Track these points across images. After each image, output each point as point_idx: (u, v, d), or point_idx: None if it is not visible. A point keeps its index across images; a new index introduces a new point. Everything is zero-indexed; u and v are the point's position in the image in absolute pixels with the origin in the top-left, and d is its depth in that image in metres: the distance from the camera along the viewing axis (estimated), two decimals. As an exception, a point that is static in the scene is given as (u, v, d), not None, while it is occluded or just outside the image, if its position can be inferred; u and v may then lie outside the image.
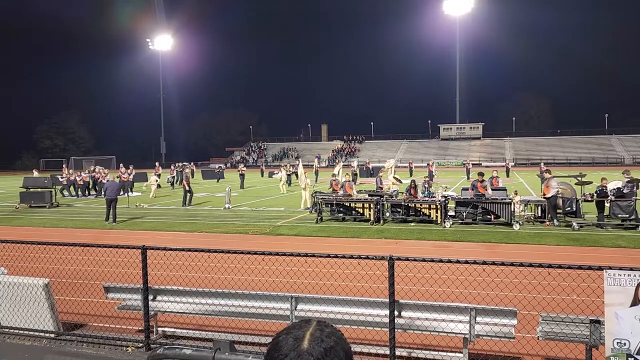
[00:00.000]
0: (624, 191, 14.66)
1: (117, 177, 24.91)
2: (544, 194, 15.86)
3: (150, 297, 6.52)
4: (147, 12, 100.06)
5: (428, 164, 36.58)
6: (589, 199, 15.15)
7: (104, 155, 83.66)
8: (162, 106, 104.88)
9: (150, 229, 16.43)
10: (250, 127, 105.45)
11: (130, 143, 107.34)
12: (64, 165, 41.48)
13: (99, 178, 29.85)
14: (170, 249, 6.55)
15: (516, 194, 17.56)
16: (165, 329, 6.89)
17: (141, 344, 6.40)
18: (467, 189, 17.37)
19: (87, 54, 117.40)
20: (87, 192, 29.81)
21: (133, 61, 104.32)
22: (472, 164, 44.87)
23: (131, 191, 29.30)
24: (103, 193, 24.12)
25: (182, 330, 6.87)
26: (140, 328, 6.74)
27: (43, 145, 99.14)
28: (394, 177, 23.27)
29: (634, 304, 4.33)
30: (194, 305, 6.49)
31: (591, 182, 15.43)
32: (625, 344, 4.34)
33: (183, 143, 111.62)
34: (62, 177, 30.47)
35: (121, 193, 28.49)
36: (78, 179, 29.63)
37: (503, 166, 44.57)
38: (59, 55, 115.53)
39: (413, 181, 17.64)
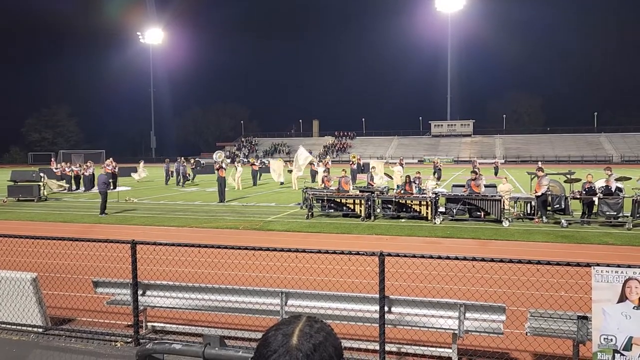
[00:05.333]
0: (612, 189, 14.82)
1: (102, 169, 24.74)
2: (535, 192, 15.99)
3: (140, 292, 6.49)
4: (138, 5, 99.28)
5: (433, 161, 36.53)
6: (578, 196, 15.29)
7: (94, 149, 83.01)
8: (153, 100, 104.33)
9: (140, 223, 16.33)
10: (242, 122, 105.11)
11: (121, 137, 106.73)
12: (52, 159, 41.08)
13: (81, 172, 29.66)
14: (160, 244, 6.51)
15: (507, 180, 17.92)
16: (155, 324, 6.86)
17: (130, 339, 6.37)
18: (458, 186, 17.47)
19: (76, 47, 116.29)
20: (77, 186, 29.58)
21: (123, 55, 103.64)
22: (463, 161, 44.97)
23: (113, 185, 29.06)
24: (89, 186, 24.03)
25: (171, 326, 6.84)
26: (129, 323, 6.71)
27: (31, 139, 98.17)
28: (385, 173, 23.33)
29: (620, 300, 4.38)
30: (184, 300, 6.46)
31: (580, 180, 15.57)
32: (611, 339, 4.39)
33: (173, 137, 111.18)
34: (55, 169, 30.26)
35: (111, 187, 28.37)
36: (67, 170, 29.42)
37: (492, 163, 44.59)
38: (48, 48, 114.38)
39: (408, 176, 17.68)
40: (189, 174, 34.67)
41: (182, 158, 35.12)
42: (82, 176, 29.52)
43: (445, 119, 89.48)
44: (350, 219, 16.57)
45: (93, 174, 29.83)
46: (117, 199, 23.11)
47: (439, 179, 29.93)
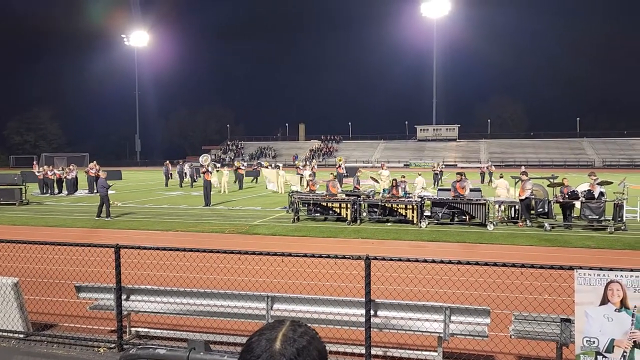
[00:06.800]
0: (595, 193, 15.03)
1: (85, 172, 24.56)
2: (519, 196, 16.16)
3: (124, 296, 6.41)
4: (123, 7, 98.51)
5: (433, 166, 36.32)
6: (561, 200, 15.48)
7: (77, 153, 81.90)
8: (138, 103, 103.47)
9: (124, 227, 16.16)
10: (228, 125, 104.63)
11: (105, 140, 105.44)
12: (34, 162, 40.54)
13: (64, 175, 29.30)
14: (145, 248, 6.44)
15: (501, 176, 18.35)
16: (139, 329, 6.78)
17: (113, 345, 6.29)
18: (443, 190, 17.58)
19: (59, 49, 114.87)
20: (59, 189, 29.17)
21: (108, 57, 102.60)
22: (448, 165, 44.60)
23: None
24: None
25: (156, 330, 6.77)
26: (112, 328, 6.63)
27: (13, 142, 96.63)
28: (371, 177, 23.39)
29: (603, 303, 4.43)
30: (169, 304, 6.40)
31: (562, 184, 15.77)
32: (594, 342, 4.44)
33: (159, 141, 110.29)
34: (37, 172, 29.82)
35: (95, 191, 28.06)
36: (50, 173, 29.01)
37: (478, 168, 44.11)
38: (30, 49, 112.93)
39: (395, 180, 17.77)
40: (195, 176, 35.39)
41: (182, 161, 36.08)
42: (64, 179, 29.12)
43: (431, 124, 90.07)
44: (336, 223, 16.57)
45: (76, 177, 29.48)
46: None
47: (435, 183, 30.31)
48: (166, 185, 34.63)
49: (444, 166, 38.29)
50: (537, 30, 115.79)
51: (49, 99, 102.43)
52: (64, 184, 29.25)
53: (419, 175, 22.68)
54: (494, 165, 39.00)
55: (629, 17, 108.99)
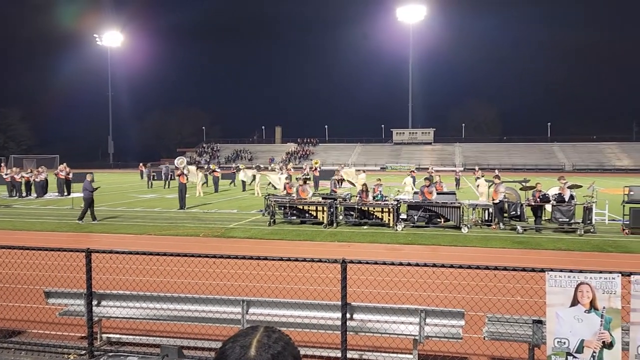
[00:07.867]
0: (565, 197, 15.38)
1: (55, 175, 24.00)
2: (493, 199, 16.42)
3: (95, 302, 6.26)
4: (95, 6, 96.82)
5: (410, 169, 36.14)
6: (533, 203, 15.80)
7: (47, 154, 79.92)
8: (111, 104, 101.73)
9: (96, 230, 15.83)
10: (203, 127, 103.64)
11: (76, 142, 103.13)
12: (2, 164, 39.45)
13: (32, 177, 28.62)
14: (117, 252, 6.31)
15: (482, 176, 18.71)
16: (110, 335, 6.63)
17: (84, 352, 6.14)
18: (417, 193, 17.79)
19: (30, 49, 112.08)
20: (27, 192, 28.42)
21: (80, 57, 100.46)
22: (424, 168, 44.92)
23: (68, 192, 28.28)
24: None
25: (127, 336, 6.63)
26: (83, 334, 6.46)
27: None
28: (348, 180, 23.47)
29: (573, 304, 4.52)
30: (141, 310, 6.28)
31: (534, 187, 16.11)
32: (564, 342, 4.52)
33: (132, 143, 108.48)
34: (5, 174, 29.01)
35: (65, 193, 27.49)
36: (17, 176, 28.22)
37: (453, 171, 44.54)
38: None
39: (365, 184, 17.86)
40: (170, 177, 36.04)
41: (167, 162, 36.65)
42: (32, 182, 28.36)
43: (407, 127, 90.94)
44: (312, 226, 16.55)
45: (46, 179, 28.77)
46: (71, 205, 22.35)
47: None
48: (150, 186, 34.91)
49: (434, 170, 38.00)
50: (510, 36, 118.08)
51: (18, 100, 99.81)
52: (32, 187, 28.50)
53: (409, 175, 23.00)
54: (480, 169, 38.85)
55: (602, 24, 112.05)
